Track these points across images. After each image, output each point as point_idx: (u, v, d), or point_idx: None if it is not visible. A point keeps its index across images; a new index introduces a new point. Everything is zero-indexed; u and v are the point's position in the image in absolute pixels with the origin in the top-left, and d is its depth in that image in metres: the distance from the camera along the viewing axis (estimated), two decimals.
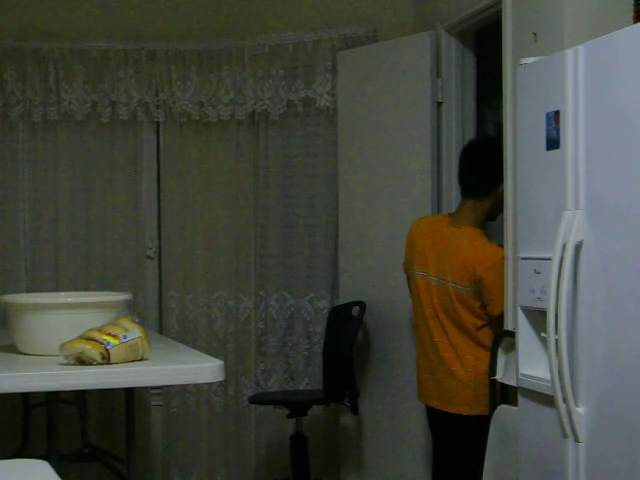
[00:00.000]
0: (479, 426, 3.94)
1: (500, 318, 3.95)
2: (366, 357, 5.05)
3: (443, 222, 4.23)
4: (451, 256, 4.08)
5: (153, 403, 5.52)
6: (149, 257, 5.57)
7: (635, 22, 3.25)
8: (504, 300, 3.89)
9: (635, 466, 2.68)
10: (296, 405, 5.09)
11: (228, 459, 5.53)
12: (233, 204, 5.51)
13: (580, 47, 2.91)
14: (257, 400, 5.30)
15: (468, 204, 4.17)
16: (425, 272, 4.17)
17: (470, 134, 4.74)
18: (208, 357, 3.77)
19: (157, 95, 5.46)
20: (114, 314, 3.75)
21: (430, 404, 4.23)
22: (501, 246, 3.97)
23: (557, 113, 2.98)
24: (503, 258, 3.89)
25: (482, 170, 4.13)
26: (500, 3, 3.93)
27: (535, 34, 3.58)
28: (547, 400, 3.02)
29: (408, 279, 4.37)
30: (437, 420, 4.23)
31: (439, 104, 4.75)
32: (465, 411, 4.05)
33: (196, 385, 5.34)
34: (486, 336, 4.03)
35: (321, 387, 5.16)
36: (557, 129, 2.98)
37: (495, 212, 4.14)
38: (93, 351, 3.41)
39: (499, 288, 3.91)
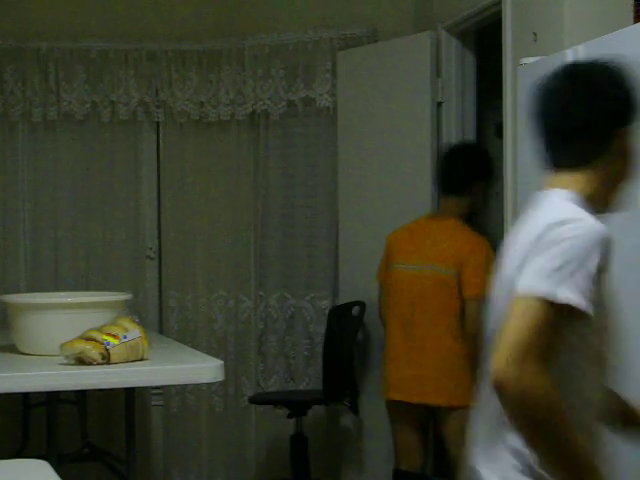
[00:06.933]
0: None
1: (474, 302, 4.07)
2: (366, 357, 5.04)
3: (422, 221, 4.37)
4: (433, 243, 4.23)
5: (153, 403, 5.51)
6: (149, 257, 5.56)
7: (635, 22, 3.25)
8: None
9: (635, 466, 2.68)
10: (296, 405, 5.08)
11: (228, 459, 5.53)
12: (233, 204, 5.51)
13: (580, 47, 2.91)
14: (257, 400, 5.30)
15: (448, 201, 4.32)
16: (404, 263, 4.29)
17: (470, 134, 4.74)
18: (208, 357, 3.77)
19: (157, 95, 5.45)
20: (114, 314, 3.75)
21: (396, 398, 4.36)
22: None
23: None
24: (487, 246, 4.12)
25: (461, 169, 4.31)
26: (500, 3, 3.94)
27: (535, 34, 3.58)
28: None
29: (385, 285, 4.47)
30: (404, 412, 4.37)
31: (439, 104, 4.75)
32: (431, 401, 4.25)
33: (196, 385, 5.33)
34: (459, 327, 4.18)
35: (321, 387, 5.16)
36: None
37: (477, 208, 4.36)
38: (93, 351, 3.41)
39: (481, 272, 4.04)
